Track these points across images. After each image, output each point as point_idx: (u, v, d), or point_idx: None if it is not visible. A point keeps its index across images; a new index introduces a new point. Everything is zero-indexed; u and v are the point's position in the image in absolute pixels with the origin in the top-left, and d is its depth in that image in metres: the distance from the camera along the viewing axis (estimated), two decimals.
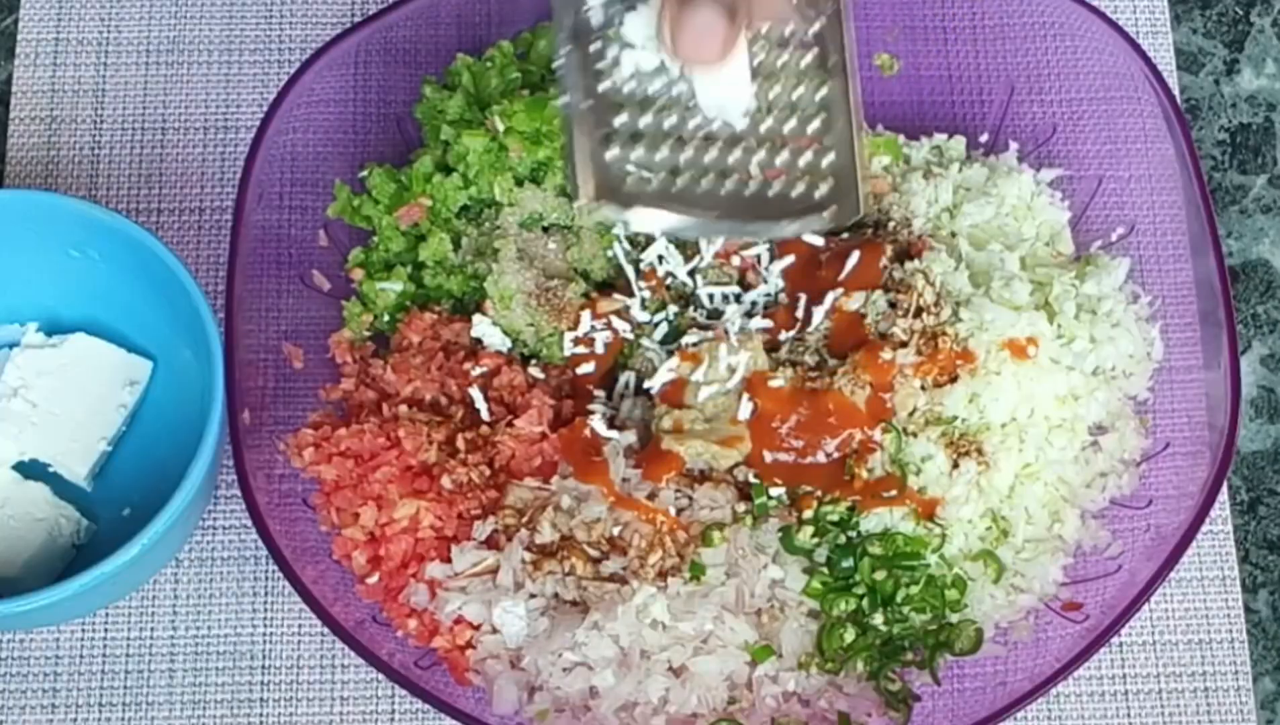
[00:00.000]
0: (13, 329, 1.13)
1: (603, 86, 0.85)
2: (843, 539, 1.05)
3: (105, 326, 1.12)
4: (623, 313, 1.10)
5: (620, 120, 0.85)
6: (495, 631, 1.03)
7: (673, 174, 0.86)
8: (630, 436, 1.07)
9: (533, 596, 1.03)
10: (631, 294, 1.10)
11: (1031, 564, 1.06)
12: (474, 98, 1.13)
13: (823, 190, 0.87)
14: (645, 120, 0.85)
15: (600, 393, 1.10)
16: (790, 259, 1.11)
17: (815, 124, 0.88)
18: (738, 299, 1.11)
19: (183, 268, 1.04)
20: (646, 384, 1.08)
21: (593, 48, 0.85)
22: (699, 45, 0.77)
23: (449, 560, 1.04)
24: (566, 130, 0.85)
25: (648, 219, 0.86)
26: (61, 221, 1.07)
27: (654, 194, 0.86)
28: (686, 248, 1.11)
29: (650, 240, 1.11)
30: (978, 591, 1.06)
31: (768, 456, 1.06)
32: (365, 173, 1.13)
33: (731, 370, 1.07)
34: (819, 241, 1.11)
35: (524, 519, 1.04)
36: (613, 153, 0.85)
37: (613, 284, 1.12)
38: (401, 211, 1.11)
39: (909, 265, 1.10)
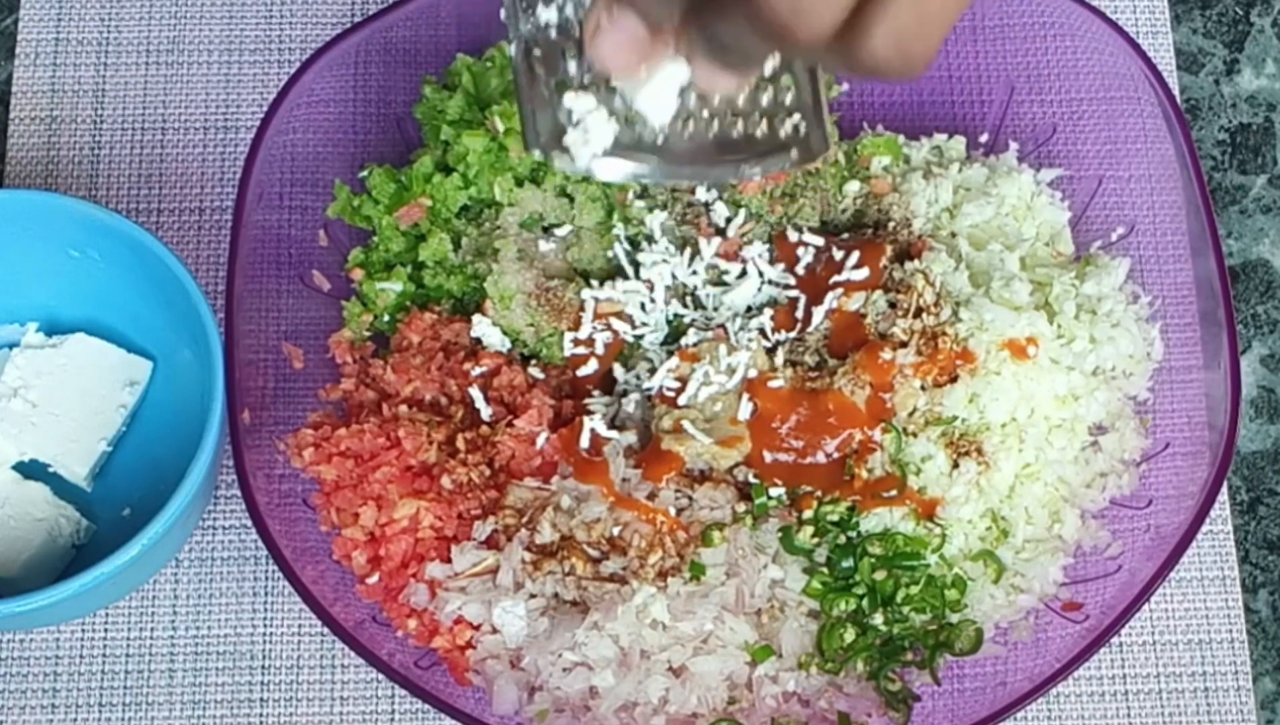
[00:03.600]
0: (13, 329, 1.13)
1: (554, 34, 0.83)
2: (843, 539, 1.05)
3: (105, 326, 1.12)
4: (623, 314, 1.10)
5: (573, 67, 0.83)
6: (495, 631, 1.03)
7: (631, 121, 0.84)
8: (630, 436, 1.07)
9: (533, 596, 1.03)
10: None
11: (1031, 564, 1.06)
12: (474, 98, 1.13)
13: (786, 129, 0.86)
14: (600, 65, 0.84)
15: (600, 393, 1.10)
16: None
17: (771, 63, 0.86)
18: (748, 310, 1.11)
19: (183, 268, 1.04)
20: (646, 384, 1.08)
21: None
22: (614, 54, 0.77)
23: (449, 560, 1.04)
24: (516, 78, 0.83)
25: (608, 168, 0.84)
26: (61, 221, 1.07)
27: (613, 142, 0.84)
28: (687, 245, 1.11)
29: (650, 240, 1.11)
30: (978, 591, 1.06)
31: (768, 456, 1.07)
32: (365, 173, 1.13)
33: (731, 370, 1.07)
34: (819, 241, 1.11)
35: (524, 519, 1.04)
36: (568, 100, 0.83)
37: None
38: (401, 211, 1.11)
39: (909, 265, 1.10)
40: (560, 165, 0.84)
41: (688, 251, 1.11)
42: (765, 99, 0.86)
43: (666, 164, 0.85)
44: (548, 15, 0.83)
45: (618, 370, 1.10)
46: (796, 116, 0.85)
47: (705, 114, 0.84)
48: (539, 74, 0.83)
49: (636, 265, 1.11)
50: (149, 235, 1.05)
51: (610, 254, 1.11)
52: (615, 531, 1.04)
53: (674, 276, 1.11)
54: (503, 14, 0.83)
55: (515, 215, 1.11)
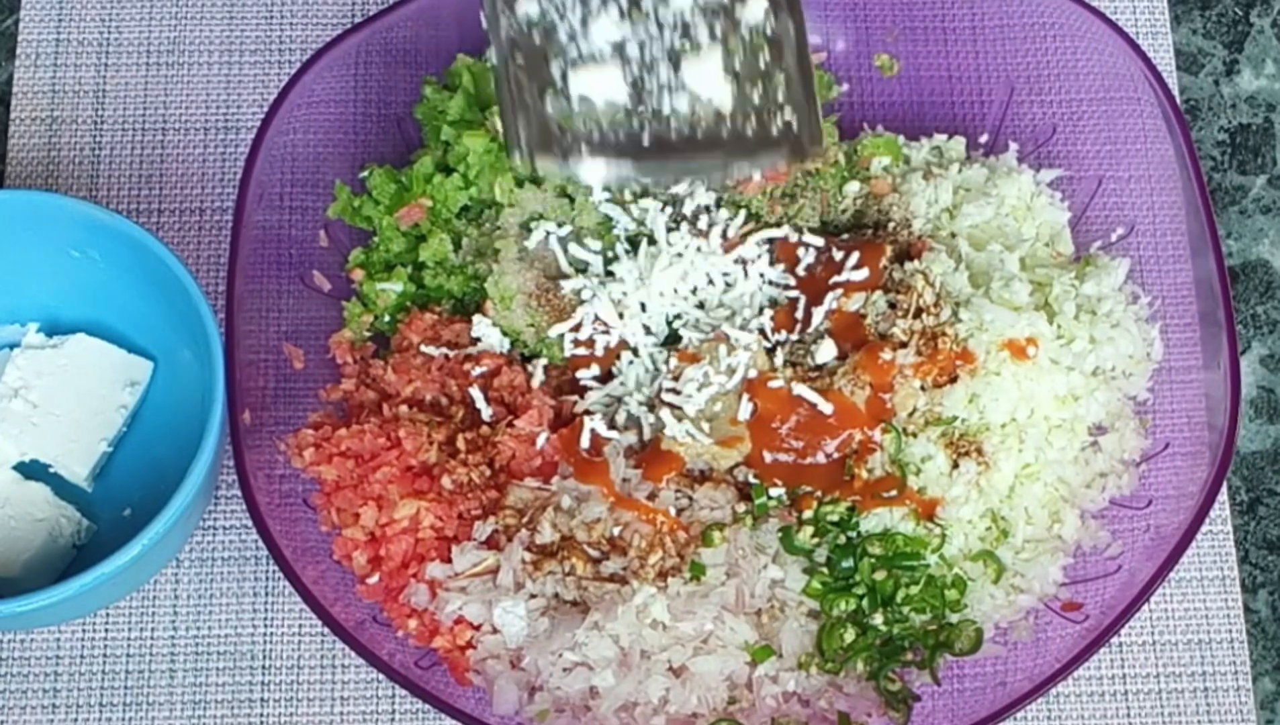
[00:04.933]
0: (13, 329, 1.13)
1: (537, 38, 0.81)
2: (843, 539, 1.05)
3: (106, 327, 1.12)
4: (624, 314, 1.10)
5: (556, 68, 0.82)
6: (495, 631, 1.03)
7: (616, 121, 0.83)
8: (630, 436, 1.07)
9: (533, 596, 1.03)
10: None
11: (1031, 564, 1.06)
12: (474, 98, 1.13)
13: (778, 125, 0.85)
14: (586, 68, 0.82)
15: (601, 393, 1.10)
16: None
17: (764, 59, 0.84)
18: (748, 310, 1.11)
19: (183, 268, 1.05)
20: (646, 387, 1.09)
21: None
22: None
23: (449, 560, 1.04)
24: (499, 85, 0.82)
25: (593, 170, 0.83)
26: (62, 222, 1.07)
27: (598, 144, 0.82)
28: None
29: (651, 240, 1.11)
30: (978, 591, 1.06)
31: (768, 457, 1.07)
32: (365, 174, 1.13)
33: (731, 370, 1.07)
34: (819, 242, 1.11)
35: (524, 519, 1.04)
36: (551, 104, 0.82)
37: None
38: (402, 212, 1.11)
39: (909, 266, 1.10)
40: (545, 170, 0.83)
41: (688, 252, 1.10)
42: (756, 96, 0.85)
43: (651, 163, 0.83)
44: (529, 9, 0.81)
45: (618, 371, 1.10)
46: (788, 112, 0.84)
47: (691, 111, 0.83)
48: (522, 80, 0.82)
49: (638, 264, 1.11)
50: (149, 235, 1.05)
51: (611, 254, 1.11)
52: (615, 531, 1.04)
53: (675, 276, 1.11)
54: (483, 20, 0.82)
55: (516, 216, 1.11)
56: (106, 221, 1.06)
